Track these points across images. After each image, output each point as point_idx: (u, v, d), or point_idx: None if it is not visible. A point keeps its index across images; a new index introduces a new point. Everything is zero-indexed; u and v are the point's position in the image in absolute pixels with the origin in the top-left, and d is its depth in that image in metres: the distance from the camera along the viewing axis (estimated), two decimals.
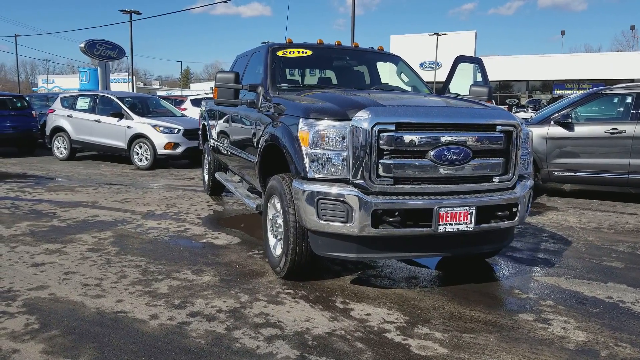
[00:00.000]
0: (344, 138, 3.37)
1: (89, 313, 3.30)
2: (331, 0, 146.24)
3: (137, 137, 10.77)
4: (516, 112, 29.42)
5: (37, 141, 13.52)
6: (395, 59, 5.59)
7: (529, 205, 3.98)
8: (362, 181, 3.35)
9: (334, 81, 5.37)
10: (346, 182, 3.40)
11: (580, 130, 7.53)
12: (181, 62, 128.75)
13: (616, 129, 7.27)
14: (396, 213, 3.37)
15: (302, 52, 4.98)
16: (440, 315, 3.36)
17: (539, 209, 7.14)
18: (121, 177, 9.61)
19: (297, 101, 3.93)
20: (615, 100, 8.02)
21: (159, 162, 10.90)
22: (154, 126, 10.67)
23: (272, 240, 4.16)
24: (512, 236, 4.11)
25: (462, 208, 3.44)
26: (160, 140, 10.55)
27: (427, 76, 46.19)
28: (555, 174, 7.68)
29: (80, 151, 12.35)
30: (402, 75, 5.49)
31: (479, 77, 5.72)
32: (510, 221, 3.72)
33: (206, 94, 16.78)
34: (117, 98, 11.44)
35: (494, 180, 3.68)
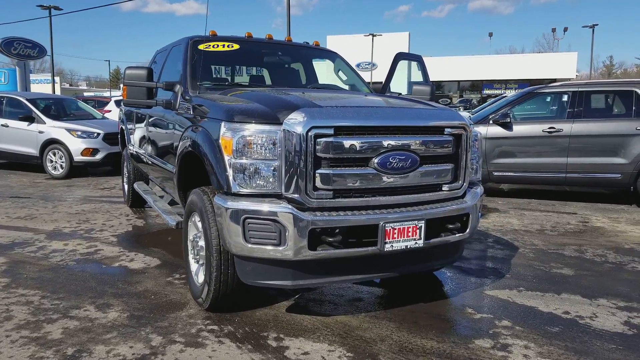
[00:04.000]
0: (274, 145, 2.85)
1: None
2: (269, 0, 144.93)
3: (51, 143, 9.67)
4: None
5: None
6: (332, 56, 5.13)
7: (480, 214, 3.64)
8: (296, 195, 2.84)
9: (267, 80, 4.83)
10: (278, 196, 2.88)
11: (519, 129, 7.44)
12: (109, 61, 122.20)
13: (554, 128, 7.23)
14: (337, 231, 2.89)
15: (228, 46, 4.39)
16: (389, 348, 2.91)
17: (482, 210, 6.94)
18: (31, 189, 8.54)
19: (220, 102, 3.35)
20: (552, 99, 8.03)
21: (77, 170, 9.85)
22: (69, 130, 9.62)
23: (193, 265, 3.55)
24: (462, 249, 3.75)
25: (410, 222, 3.02)
26: (76, 145, 9.52)
27: (364, 77, 46.63)
28: (495, 174, 7.55)
29: None
30: (340, 73, 5.04)
31: (415, 77, 5.38)
32: (461, 234, 3.34)
33: None
34: (27, 100, 10.25)
35: (442, 188, 3.29)
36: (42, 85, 56.08)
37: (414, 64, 5.72)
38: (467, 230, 3.36)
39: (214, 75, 4.47)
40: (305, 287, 3.45)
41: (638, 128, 6.93)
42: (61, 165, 9.63)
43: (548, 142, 7.28)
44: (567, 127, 7.18)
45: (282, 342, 2.95)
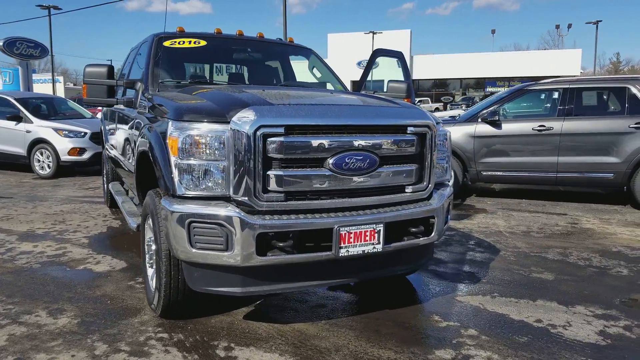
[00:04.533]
0: (222, 145, 2.70)
1: None
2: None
3: (38, 143, 9.58)
4: (451, 109, 30.03)
5: None
6: (306, 52, 4.97)
7: (449, 216, 3.48)
8: (245, 198, 2.69)
9: (238, 78, 4.69)
10: (226, 199, 2.74)
11: (508, 127, 7.26)
12: (111, 60, 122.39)
13: (544, 126, 7.04)
14: (288, 236, 2.75)
15: (195, 43, 4.25)
16: (342, 358, 2.76)
17: (468, 211, 6.78)
18: (15, 189, 8.45)
19: (173, 100, 3.21)
20: (543, 96, 7.83)
21: (64, 170, 9.76)
22: (56, 130, 9.53)
23: (149, 269, 3.42)
24: (431, 253, 3.59)
25: (367, 226, 2.87)
26: (63, 145, 9.42)
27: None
28: (484, 173, 7.37)
29: None
30: (315, 71, 4.89)
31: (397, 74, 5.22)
32: (427, 237, 3.18)
33: None
34: (14, 99, 10.16)
35: (406, 190, 3.13)
36: (46, 85, 56.13)
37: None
38: (433, 233, 3.20)
39: (180, 73, 4.32)
40: (257, 295, 3.29)
41: (631, 126, 6.73)
42: (48, 165, 9.54)
43: (538, 141, 7.09)
44: (558, 125, 6.99)
45: (232, 352, 2.81)
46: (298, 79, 5.06)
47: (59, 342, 2.92)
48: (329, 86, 4.67)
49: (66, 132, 9.51)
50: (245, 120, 2.67)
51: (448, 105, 34.81)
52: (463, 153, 7.39)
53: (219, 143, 2.70)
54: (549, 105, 7.65)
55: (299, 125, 2.76)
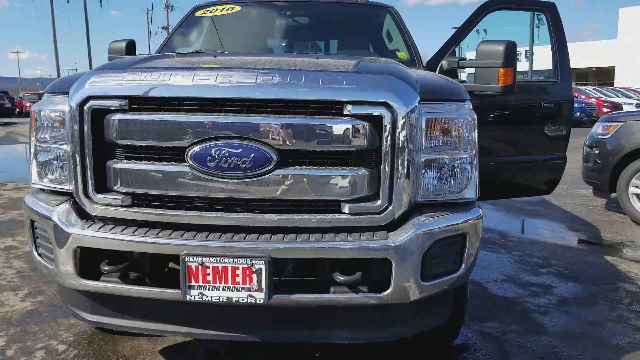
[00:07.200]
0: (61, 124, 2.04)
1: None
2: None
3: None
4: None
5: None
6: (382, 13, 3.70)
7: (463, 263, 1.98)
8: (79, 197, 1.98)
9: (287, 50, 3.82)
10: (71, 195, 2.06)
11: None
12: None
13: None
14: (122, 258, 1.92)
15: (227, 10, 3.59)
16: None
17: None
18: None
19: None
20: None
21: None
22: None
23: None
24: (427, 319, 2.11)
25: (237, 260, 1.77)
26: None
27: None
28: None
29: None
30: (389, 36, 3.64)
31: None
32: (375, 294, 1.84)
33: None
34: None
35: (342, 210, 1.85)
36: None
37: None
38: (389, 289, 1.82)
39: (197, 44, 3.65)
40: (109, 328, 2.39)
41: None
42: None
43: None
44: None
45: None
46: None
47: None
48: (394, 55, 3.38)
49: None
50: (75, 91, 1.93)
51: None
52: None
53: (58, 121, 2.03)
54: None
55: (146, 97, 1.86)
